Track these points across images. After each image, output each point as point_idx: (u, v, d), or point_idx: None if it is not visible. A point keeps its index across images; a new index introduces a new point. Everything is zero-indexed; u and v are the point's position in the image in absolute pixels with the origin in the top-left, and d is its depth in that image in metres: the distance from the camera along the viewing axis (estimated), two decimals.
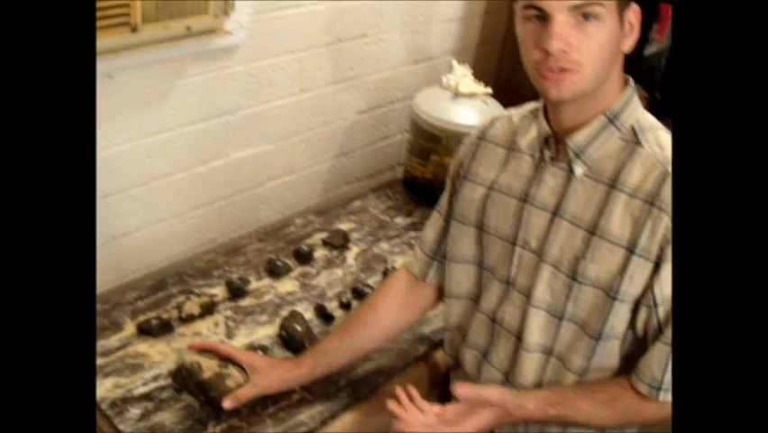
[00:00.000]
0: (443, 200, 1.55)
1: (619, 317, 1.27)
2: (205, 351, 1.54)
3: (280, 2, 1.93)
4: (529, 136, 1.37)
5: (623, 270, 1.23)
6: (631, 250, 1.22)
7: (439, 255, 1.53)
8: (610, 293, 1.25)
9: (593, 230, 1.26)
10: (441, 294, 1.55)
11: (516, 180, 1.37)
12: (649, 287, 1.23)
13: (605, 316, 1.27)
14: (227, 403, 1.45)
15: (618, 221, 1.24)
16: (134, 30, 1.58)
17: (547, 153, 1.32)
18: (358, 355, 1.58)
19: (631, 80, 1.30)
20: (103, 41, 1.55)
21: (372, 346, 1.59)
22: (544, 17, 1.17)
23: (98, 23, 1.52)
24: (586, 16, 1.15)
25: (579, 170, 1.28)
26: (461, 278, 1.49)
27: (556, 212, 1.31)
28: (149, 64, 1.72)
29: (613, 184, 1.25)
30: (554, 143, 1.31)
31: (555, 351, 1.35)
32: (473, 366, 1.49)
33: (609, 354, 1.31)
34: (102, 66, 1.59)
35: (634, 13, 1.22)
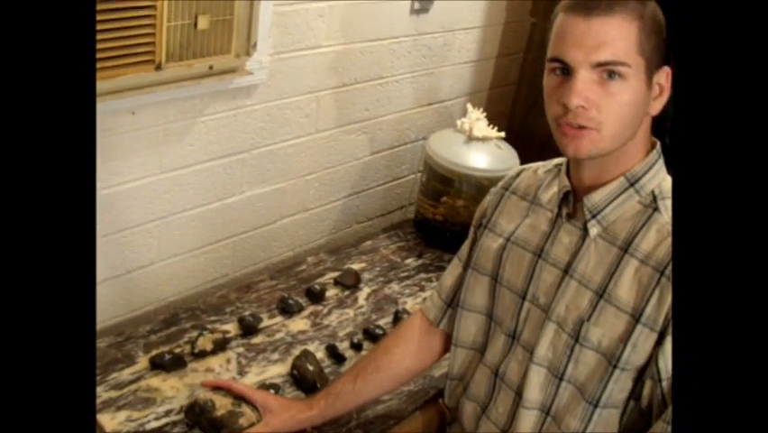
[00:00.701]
0: (465, 248, 1.54)
1: (619, 386, 1.23)
2: (218, 388, 1.55)
3: (300, 42, 1.96)
4: (551, 191, 1.36)
5: (626, 337, 1.19)
6: (636, 318, 1.19)
7: (455, 303, 1.51)
8: (612, 360, 1.21)
9: (601, 293, 1.23)
10: None
11: (533, 234, 1.36)
12: (654, 358, 1.18)
13: (604, 382, 1.23)
14: None
15: (627, 287, 1.20)
16: (158, 68, 1.61)
17: (564, 210, 1.31)
18: (370, 398, 1.58)
19: (658, 144, 1.27)
20: (127, 78, 1.58)
21: (385, 390, 1.59)
22: (567, 71, 1.16)
23: (123, 60, 1.55)
24: (610, 74, 1.14)
25: (593, 230, 1.25)
26: (470, 327, 1.48)
27: (567, 270, 1.28)
28: (170, 101, 1.74)
29: (626, 248, 1.22)
30: (573, 201, 1.30)
31: (552, 411, 1.31)
32: (472, 420, 1.46)
33: (607, 422, 1.26)
34: (125, 102, 1.62)
35: (665, 76, 1.19)
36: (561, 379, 1.29)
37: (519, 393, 1.35)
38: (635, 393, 1.23)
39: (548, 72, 1.21)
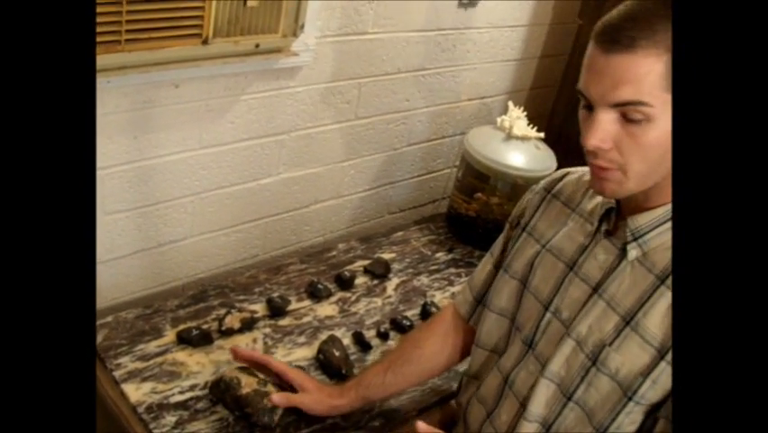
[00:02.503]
0: (498, 245, 1.50)
1: (630, 419, 1.17)
2: (252, 365, 1.56)
3: (347, 27, 1.95)
4: (594, 201, 1.30)
5: (648, 372, 1.14)
6: (662, 354, 1.12)
7: (485, 300, 1.48)
8: (628, 392, 1.16)
9: (628, 320, 1.17)
10: None
11: (569, 244, 1.30)
12: (669, 397, 1.13)
13: (616, 412, 1.18)
14: (276, 397, 1.47)
15: (658, 320, 1.14)
16: (205, 42, 1.60)
17: (604, 226, 1.24)
18: (399, 390, 1.58)
19: None
20: (173, 50, 1.57)
21: (414, 383, 1.59)
22: (591, 107, 1.09)
23: (170, 33, 1.55)
24: (631, 115, 1.05)
25: (632, 253, 1.19)
26: (493, 329, 1.44)
27: (597, 289, 1.22)
28: (214, 77, 1.74)
29: (663, 279, 1.15)
30: (615, 218, 1.23)
31: (553, 429, 1.27)
32: (477, 423, 1.43)
33: None
34: (169, 75, 1.62)
35: None
36: (569, 399, 1.24)
37: (524, 404, 1.30)
38: (644, 428, 1.18)
39: (581, 104, 1.14)
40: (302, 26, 1.76)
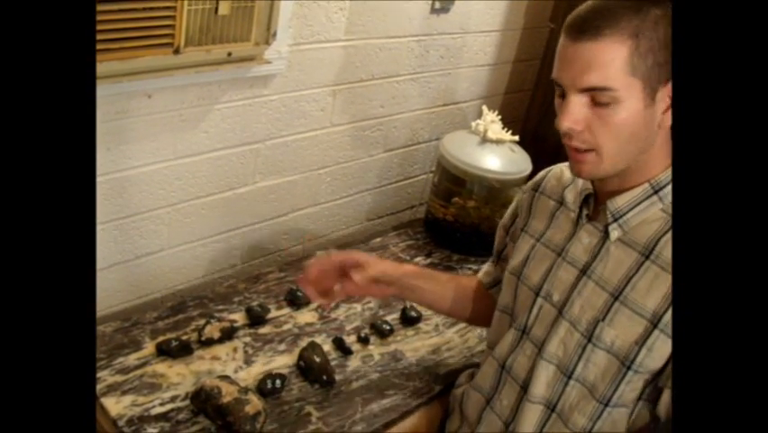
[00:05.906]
0: (495, 248, 1.63)
1: (631, 387, 1.24)
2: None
3: (319, 35, 1.95)
4: (575, 192, 1.38)
5: (642, 340, 1.21)
6: (654, 323, 1.20)
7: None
8: (625, 362, 1.23)
9: (617, 295, 1.24)
10: None
11: (557, 234, 1.38)
12: (668, 365, 1.20)
13: (616, 383, 1.25)
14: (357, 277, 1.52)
15: (645, 291, 1.21)
16: (177, 51, 1.60)
17: (585, 212, 1.32)
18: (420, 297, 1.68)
19: None
20: (144, 60, 1.56)
21: (428, 300, 1.69)
22: (564, 93, 1.18)
23: (142, 42, 1.54)
24: (599, 99, 1.14)
25: (614, 233, 1.27)
26: (495, 325, 1.51)
27: (585, 271, 1.30)
28: (187, 87, 1.73)
29: (647, 254, 1.23)
30: (594, 203, 1.32)
31: (558, 408, 1.33)
32: (475, 410, 1.48)
33: (615, 421, 1.28)
34: (141, 84, 1.61)
35: None
36: (569, 377, 1.30)
37: (525, 387, 1.36)
38: (644, 394, 1.25)
39: (556, 94, 1.23)
40: (274, 34, 1.76)
